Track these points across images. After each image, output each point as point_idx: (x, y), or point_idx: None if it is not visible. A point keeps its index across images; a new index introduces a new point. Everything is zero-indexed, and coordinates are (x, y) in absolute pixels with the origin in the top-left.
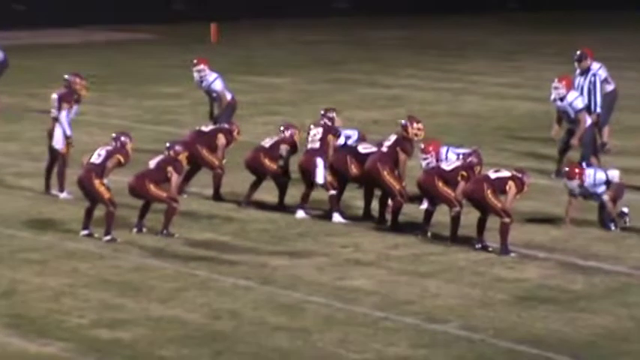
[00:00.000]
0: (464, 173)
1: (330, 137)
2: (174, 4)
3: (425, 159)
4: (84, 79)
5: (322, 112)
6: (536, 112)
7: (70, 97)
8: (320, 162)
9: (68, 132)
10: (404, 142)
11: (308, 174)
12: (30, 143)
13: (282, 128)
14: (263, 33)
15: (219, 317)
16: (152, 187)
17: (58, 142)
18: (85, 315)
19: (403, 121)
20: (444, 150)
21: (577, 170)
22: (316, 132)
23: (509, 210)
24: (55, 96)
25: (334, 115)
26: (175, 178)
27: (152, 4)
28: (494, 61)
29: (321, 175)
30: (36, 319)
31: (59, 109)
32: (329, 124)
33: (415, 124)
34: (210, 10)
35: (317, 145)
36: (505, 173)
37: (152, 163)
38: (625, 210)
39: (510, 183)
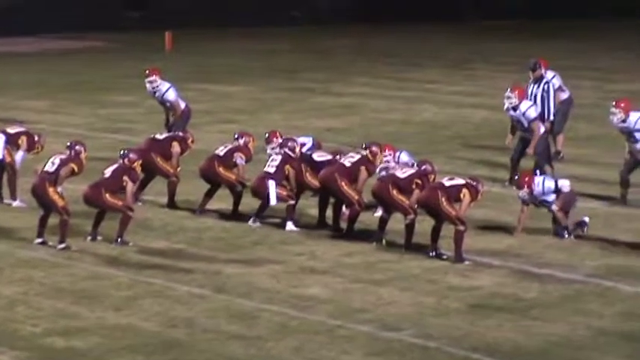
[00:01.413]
0: (418, 181)
1: (288, 168)
2: (128, 12)
3: (383, 162)
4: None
5: (282, 139)
6: (491, 120)
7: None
8: (272, 184)
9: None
10: (369, 163)
11: (260, 195)
12: None
13: (236, 136)
14: (218, 41)
15: (174, 325)
16: (108, 196)
17: None
18: (39, 323)
19: (374, 147)
20: (397, 153)
21: (526, 179)
22: (275, 158)
23: (464, 218)
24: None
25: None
26: (130, 187)
27: (105, 13)
28: (449, 69)
29: (273, 197)
30: None
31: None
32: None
33: (385, 153)
34: (164, 19)
35: (272, 170)
36: (459, 181)
37: (107, 172)
38: (586, 219)
39: (464, 191)
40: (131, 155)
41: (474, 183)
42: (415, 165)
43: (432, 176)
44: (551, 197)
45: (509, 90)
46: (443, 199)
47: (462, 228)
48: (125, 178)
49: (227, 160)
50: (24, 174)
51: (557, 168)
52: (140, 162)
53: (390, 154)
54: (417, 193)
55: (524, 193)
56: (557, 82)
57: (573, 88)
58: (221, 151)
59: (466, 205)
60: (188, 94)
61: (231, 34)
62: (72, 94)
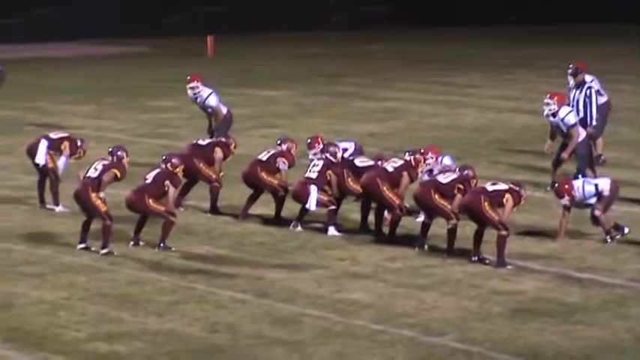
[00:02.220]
0: (460, 186)
1: (330, 173)
2: (170, 17)
3: (426, 164)
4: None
5: (323, 145)
6: (533, 124)
7: (75, 149)
8: (314, 189)
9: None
10: (411, 169)
11: (302, 201)
12: (26, 157)
13: (279, 142)
14: (260, 46)
15: (217, 331)
16: (150, 202)
17: (41, 158)
18: (82, 328)
19: (417, 154)
20: (440, 157)
21: (565, 187)
22: (317, 164)
23: (507, 222)
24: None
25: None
26: (172, 192)
27: (147, 17)
28: (490, 73)
29: (314, 201)
30: (33, 332)
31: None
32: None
33: (427, 156)
34: (206, 23)
35: (314, 175)
36: (502, 186)
37: (149, 177)
38: (626, 229)
39: (507, 196)
40: (173, 160)
41: (517, 188)
42: (457, 170)
43: (474, 181)
44: (594, 200)
45: (547, 96)
46: (485, 204)
47: (504, 233)
48: (167, 183)
49: (270, 165)
50: (66, 179)
51: (599, 172)
52: (182, 167)
53: (433, 158)
54: (459, 197)
55: (565, 201)
56: (595, 86)
57: (614, 92)
58: (264, 156)
59: (509, 210)
60: (230, 98)
61: (273, 39)
62: (114, 99)
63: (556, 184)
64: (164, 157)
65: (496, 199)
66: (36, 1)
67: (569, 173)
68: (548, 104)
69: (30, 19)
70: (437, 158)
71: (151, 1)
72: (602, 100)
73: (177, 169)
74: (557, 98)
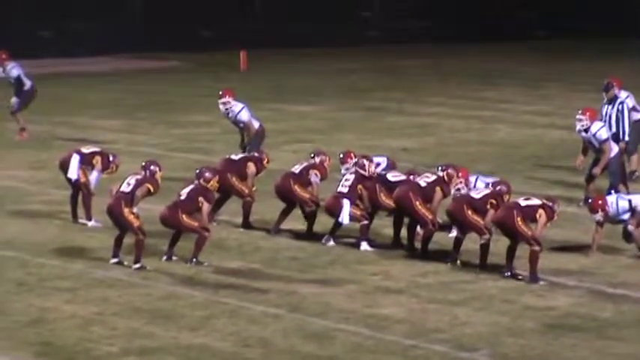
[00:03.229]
0: (493, 201)
1: (361, 187)
2: (203, 31)
3: (455, 186)
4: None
5: (356, 160)
6: (566, 140)
7: (107, 164)
8: (347, 203)
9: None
10: (444, 184)
11: (334, 215)
12: (59, 172)
13: (312, 155)
14: (292, 61)
15: (249, 345)
16: (184, 218)
17: (73, 173)
18: (115, 343)
19: (450, 170)
20: (472, 178)
21: (599, 202)
22: (349, 178)
23: (540, 238)
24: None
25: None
26: (207, 208)
27: (181, 32)
28: (523, 89)
29: (346, 215)
30: (65, 347)
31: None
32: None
33: (460, 176)
34: (239, 38)
35: (346, 189)
36: (535, 201)
37: (183, 194)
38: None
39: (540, 211)
40: (207, 174)
41: (550, 203)
42: (491, 186)
43: (507, 196)
44: (627, 216)
45: (580, 112)
46: (518, 219)
47: (537, 248)
48: (201, 199)
49: (302, 178)
50: (99, 194)
51: (632, 188)
52: (216, 180)
53: (462, 182)
54: (491, 212)
55: (599, 216)
56: (630, 102)
57: None
58: (297, 169)
59: (542, 225)
60: (262, 113)
61: (306, 54)
62: (147, 113)
63: (589, 200)
64: (197, 171)
65: (529, 214)
66: (70, 16)
67: (602, 189)
68: (580, 120)
69: (64, 34)
70: (467, 181)
71: (185, 15)
72: (638, 116)
73: (211, 182)
74: (590, 114)
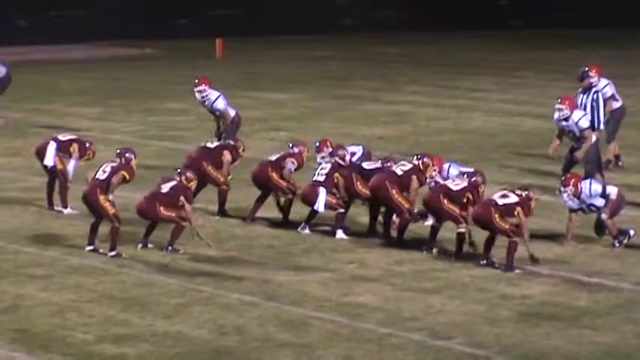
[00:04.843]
0: (469, 195)
1: (337, 176)
2: (178, 19)
3: (429, 174)
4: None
5: (332, 149)
6: (541, 128)
7: (84, 151)
8: (323, 191)
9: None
10: (420, 173)
11: (310, 203)
12: (35, 158)
13: (290, 145)
14: (269, 49)
15: (225, 333)
16: (162, 209)
17: (50, 160)
18: (90, 330)
19: (426, 159)
20: (446, 166)
21: (572, 180)
22: (325, 167)
23: (518, 231)
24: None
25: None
26: (189, 208)
27: (156, 20)
28: (498, 78)
29: (322, 203)
30: (41, 334)
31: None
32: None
33: (436, 166)
34: (214, 26)
35: (322, 178)
36: (512, 199)
37: (164, 188)
38: (631, 232)
39: (518, 209)
40: (188, 174)
41: (526, 199)
42: (465, 176)
43: (483, 187)
44: (599, 202)
45: (559, 101)
46: (496, 216)
47: (516, 239)
48: (182, 199)
49: (280, 165)
50: (75, 181)
51: (608, 177)
52: (196, 181)
53: (436, 170)
54: (470, 210)
55: (569, 194)
56: (610, 90)
57: (623, 96)
58: (274, 157)
59: (525, 224)
60: (238, 101)
61: (281, 42)
62: (123, 101)
63: (562, 178)
64: (178, 170)
65: (507, 212)
66: (46, 4)
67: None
68: (560, 109)
69: (40, 21)
70: (440, 169)
71: (161, 3)
72: (617, 105)
73: (192, 183)
74: (569, 102)
